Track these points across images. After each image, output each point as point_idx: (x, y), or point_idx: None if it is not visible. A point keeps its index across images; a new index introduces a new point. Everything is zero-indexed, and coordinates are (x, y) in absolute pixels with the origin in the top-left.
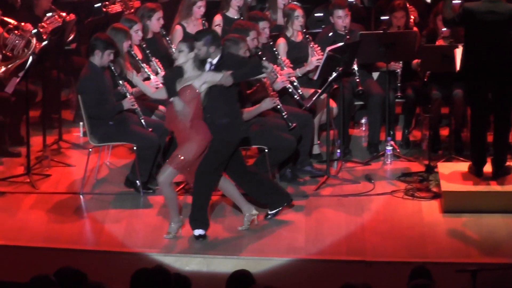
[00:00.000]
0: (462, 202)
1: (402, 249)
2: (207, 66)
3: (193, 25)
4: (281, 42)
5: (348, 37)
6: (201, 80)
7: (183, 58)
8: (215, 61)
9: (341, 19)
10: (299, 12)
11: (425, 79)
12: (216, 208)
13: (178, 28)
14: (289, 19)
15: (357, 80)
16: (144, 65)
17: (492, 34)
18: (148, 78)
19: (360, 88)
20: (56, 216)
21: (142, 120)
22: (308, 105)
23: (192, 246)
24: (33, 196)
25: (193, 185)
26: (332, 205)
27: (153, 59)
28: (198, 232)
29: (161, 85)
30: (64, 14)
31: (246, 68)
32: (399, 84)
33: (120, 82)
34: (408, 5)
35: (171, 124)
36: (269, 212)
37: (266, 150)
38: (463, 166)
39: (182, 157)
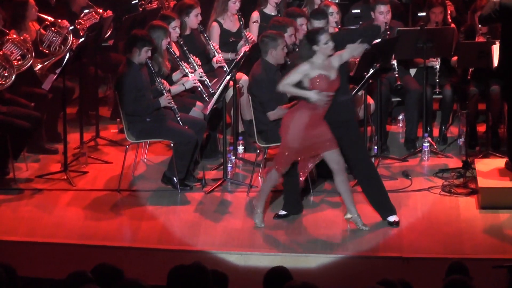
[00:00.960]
0: (499, 198)
1: (439, 245)
2: None
3: (230, 21)
4: None
5: (388, 33)
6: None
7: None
8: None
9: (383, 14)
10: (333, 9)
11: (468, 77)
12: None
13: (214, 25)
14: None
15: (396, 75)
16: (182, 62)
17: None
18: (186, 75)
19: (398, 83)
20: (93, 213)
21: (178, 117)
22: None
23: (230, 242)
24: (70, 193)
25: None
26: (366, 201)
27: (191, 56)
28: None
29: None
30: (101, 10)
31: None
32: (437, 80)
33: (158, 79)
34: (446, 0)
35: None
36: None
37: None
38: (500, 162)
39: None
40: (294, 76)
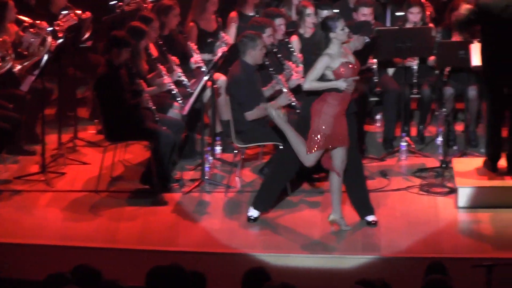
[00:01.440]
0: (477, 198)
1: (418, 245)
2: None
3: (207, 21)
4: (295, 40)
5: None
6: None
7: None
8: None
9: (366, 17)
10: (310, 10)
11: (445, 77)
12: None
13: (192, 25)
14: (301, 16)
15: (375, 80)
16: (159, 64)
17: (506, 29)
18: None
19: (378, 88)
20: (71, 214)
21: (157, 118)
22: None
23: (208, 243)
24: (48, 194)
25: None
26: (347, 201)
27: (169, 56)
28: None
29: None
30: (79, 12)
31: None
32: (415, 80)
33: (136, 80)
34: (424, 1)
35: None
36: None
37: (282, 147)
38: (478, 161)
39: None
40: (316, 71)
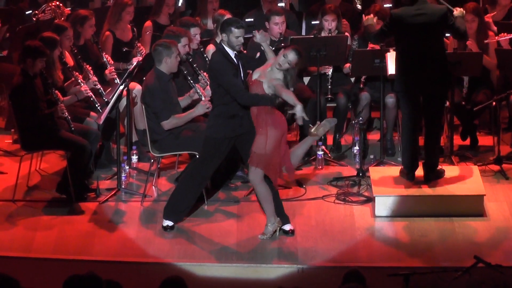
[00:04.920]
0: (394, 206)
1: (334, 254)
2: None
3: (122, 31)
4: (211, 49)
5: (283, 44)
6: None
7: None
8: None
9: (278, 25)
10: None
11: (361, 85)
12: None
13: (108, 34)
14: (218, 25)
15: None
16: (75, 72)
17: (423, 37)
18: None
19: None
20: None
21: (72, 128)
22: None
23: (124, 252)
24: None
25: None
26: (260, 210)
27: (84, 64)
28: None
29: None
30: None
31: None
32: (329, 87)
33: (51, 90)
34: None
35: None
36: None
37: (198, 156)
38: (395, 170)
39: (254, 151)
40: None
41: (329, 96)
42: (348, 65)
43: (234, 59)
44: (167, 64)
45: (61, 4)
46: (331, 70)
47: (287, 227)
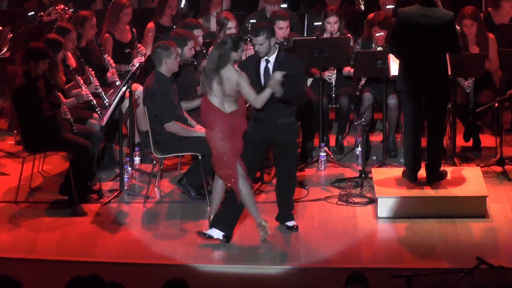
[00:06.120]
0: (396, 208)
1: (337, 255)
2: (263, 64)
3: (121, 32)
4: None
5: (285, 43)
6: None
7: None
8: (272, 58)
9: (282, 30)
10: (232, 24)
11: (360, 87)
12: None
13: (107, 36)
14: (221, 28)
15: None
16: (76, 76)
17: (426, 39)
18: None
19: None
20: None
21: (75, 129)
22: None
23: (127, 253)
24: None
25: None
26: (266, 211)
27: (87, 67)
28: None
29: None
30: None
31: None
32: (333, 95)
33: (54, 92)
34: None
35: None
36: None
37: (200, 157)
38: (397, 171)
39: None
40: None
41: (334, 105)
42: (348, 68)
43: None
44: (167, 65)
45: (66, 8)
46: (334, 73)
47: (290, 223)
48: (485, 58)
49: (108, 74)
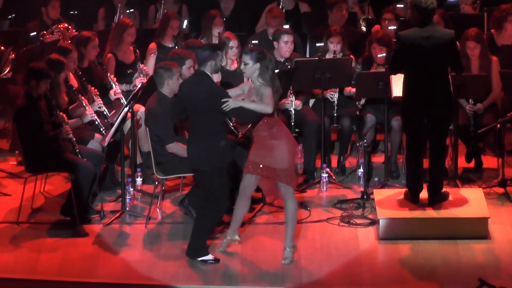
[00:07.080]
0: (398, 229)
1: (339, 276)
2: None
3: (124, 52)
4: None
5: (288, 66)
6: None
7: (250, 70)
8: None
9: (287, 44)
10: (234, 43)
11: (360, 106)
12: (152, 236)
13: (110, 56)
14: (223, 48)
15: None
16: (79, 96)
17: (430, 60)
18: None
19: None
20: None
21: (77, 150)
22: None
23: (128, 274)
24: None
25: None
26: (268, 233)
27: (89, 86)
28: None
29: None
30: None
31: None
32: (335, 114)
33: (56, 112)
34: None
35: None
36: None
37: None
38: (399, 193)
39: (261, 165)
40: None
41: (336, 126)
42: (349, 88)
43: None
44: (169, 86)
45: (70, 27)
46: (337, 94)
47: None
48: (487, 80)
49: (111, 92)
